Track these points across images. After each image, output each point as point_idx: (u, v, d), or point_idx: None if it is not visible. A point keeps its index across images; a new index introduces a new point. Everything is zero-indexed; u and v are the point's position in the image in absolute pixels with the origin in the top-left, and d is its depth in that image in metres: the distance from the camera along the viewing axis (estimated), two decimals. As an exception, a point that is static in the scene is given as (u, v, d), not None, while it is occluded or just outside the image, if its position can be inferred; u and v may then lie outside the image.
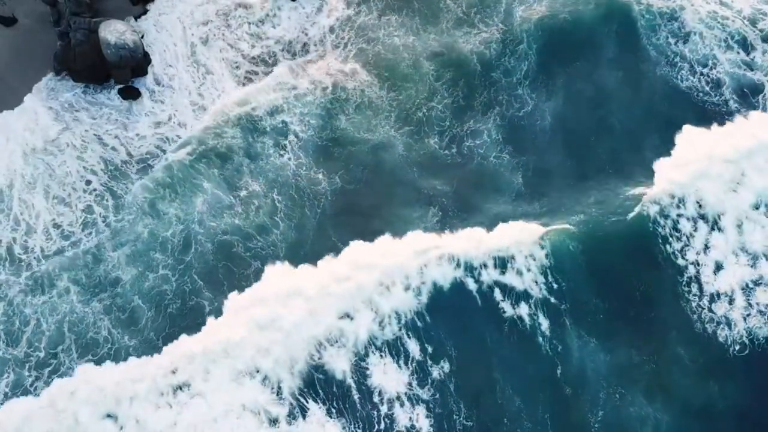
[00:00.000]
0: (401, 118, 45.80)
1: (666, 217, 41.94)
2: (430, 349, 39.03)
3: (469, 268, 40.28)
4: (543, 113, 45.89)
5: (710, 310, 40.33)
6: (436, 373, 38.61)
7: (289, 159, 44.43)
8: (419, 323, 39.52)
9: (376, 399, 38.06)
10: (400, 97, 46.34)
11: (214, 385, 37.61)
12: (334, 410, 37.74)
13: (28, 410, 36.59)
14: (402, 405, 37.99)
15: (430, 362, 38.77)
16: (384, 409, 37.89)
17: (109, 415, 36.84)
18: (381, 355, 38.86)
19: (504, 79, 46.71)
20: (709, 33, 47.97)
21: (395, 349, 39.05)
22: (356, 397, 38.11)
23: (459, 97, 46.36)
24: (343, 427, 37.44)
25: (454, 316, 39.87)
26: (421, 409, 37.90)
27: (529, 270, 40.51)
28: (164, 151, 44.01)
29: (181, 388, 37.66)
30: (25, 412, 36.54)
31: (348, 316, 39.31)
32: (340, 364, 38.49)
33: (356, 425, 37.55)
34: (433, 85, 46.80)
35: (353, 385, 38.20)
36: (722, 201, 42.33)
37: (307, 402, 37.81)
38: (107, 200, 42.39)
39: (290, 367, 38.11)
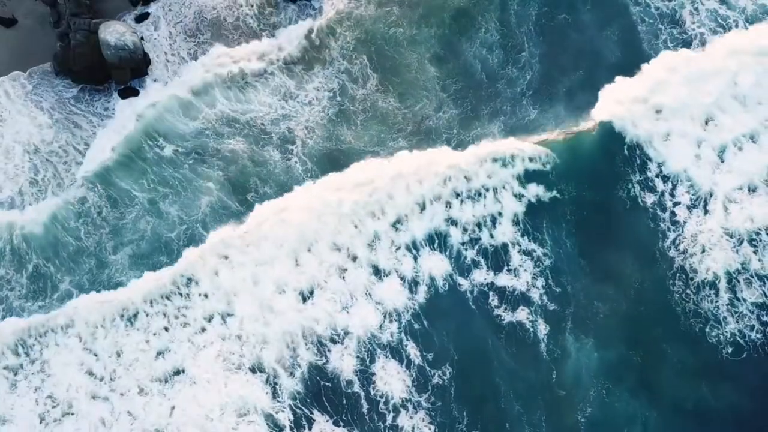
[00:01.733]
0: (411, 128, 45.73)
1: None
2: (429, 352, 39.37)
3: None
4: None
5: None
6: (436, 376, 38.91)
7: (296, 163, 44.35)
8: (417, 325, 39.84)
9: (381, 407, 38.30)
10: (414, 108, 46.19)
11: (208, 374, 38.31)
12: (335, 417, 38.03)
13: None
14: (407, 410, 38.19)
15: (429, 366, 39.05)
16: (388, 417, 38.12)
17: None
18: (384, 361, 39.16)
19: (508, 89, 46.80)
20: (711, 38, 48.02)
21: (397, 355, 39.29)
22: (359, 403, 38.34)
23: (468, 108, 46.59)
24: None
25: (450, 311, 40.37)
26: (423, 415, 38.15)
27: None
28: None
29: (177, 373, 38.37)
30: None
31: (345, 309, 39.93)
32: (343, 369, 38.76)
33: (359, 432, 38.16)
34: (439, 95, 46.81)
35: (357, 391, 38.49)
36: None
37: (311, 411, 38.06)
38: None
39: (291, 366, 38.56)
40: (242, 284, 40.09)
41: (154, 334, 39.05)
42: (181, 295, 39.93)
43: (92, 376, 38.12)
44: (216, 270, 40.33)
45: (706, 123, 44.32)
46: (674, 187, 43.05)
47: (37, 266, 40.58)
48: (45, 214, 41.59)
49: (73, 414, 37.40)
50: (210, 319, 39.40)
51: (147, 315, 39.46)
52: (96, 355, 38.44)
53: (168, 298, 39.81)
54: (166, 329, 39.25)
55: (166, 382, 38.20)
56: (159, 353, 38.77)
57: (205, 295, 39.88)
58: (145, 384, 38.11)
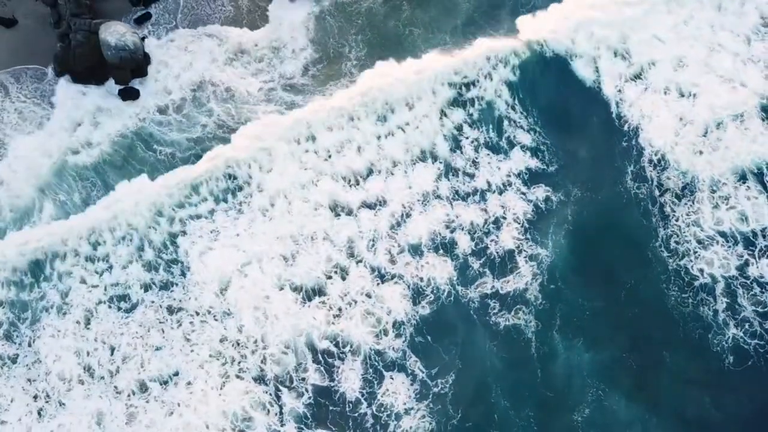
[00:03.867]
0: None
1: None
2: (431, 362, 39.04)
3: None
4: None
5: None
6: (438, 387, 38.59)
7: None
8: (418, 338, 39.56)
9: (384, 418, 37.94)
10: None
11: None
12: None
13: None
14: (409, 416, 37.98)
15: (431, 379, 38.77)
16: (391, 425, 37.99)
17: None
18: (389, 374, 38.86)
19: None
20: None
21: (401, 368, 38.96)
22: (364, 419, 38.01)
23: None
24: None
25: (451, 316, 40.05)
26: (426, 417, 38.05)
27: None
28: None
29: (175, 374, 38.37)
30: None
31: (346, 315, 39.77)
32: (346, 381, 38.49)
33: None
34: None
35: (364, 409, 38.09)
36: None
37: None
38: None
39: (295, 381, 38.41)
40: (234, 274, 40.28)
41: (149, 329, 39.19)
42: (178, 285, 40.28)
43: (88, 372, 38.32)
44: (204, 260, 40.66)
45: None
46: (663, 170, 43.13)
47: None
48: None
49: (65, 409, 37.57)
50: (206, 317, 39.49)
51: (145, 305, 39.70)
52: (92, 350, 38.66)
53: (165, 288, 40.22)
54: (161, 322, 39.43)
55: (164, 383, 38.16)
56: (157, 349, 38.85)
57: (201, 286, 40.08)
58: (140, 383, 38.13)
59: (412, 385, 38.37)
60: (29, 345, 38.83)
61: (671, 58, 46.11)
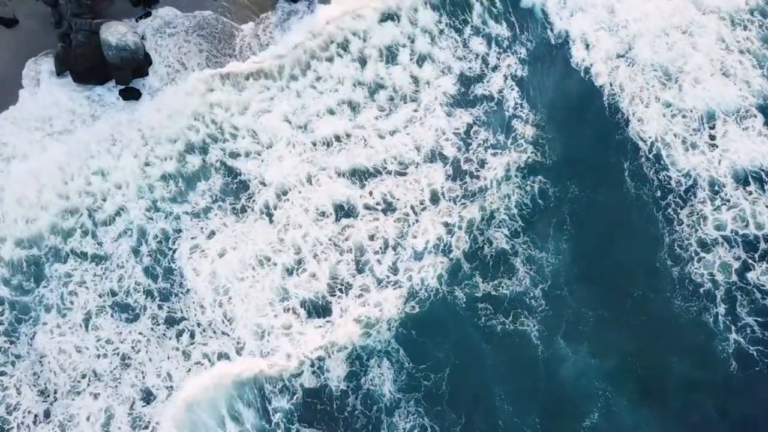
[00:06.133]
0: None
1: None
2: (426, 362, 38.94)
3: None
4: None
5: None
6: (434, 386, 38.56)
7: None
8: (407, 334, 39.44)
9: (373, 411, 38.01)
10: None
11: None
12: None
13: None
14: (403, 416, 37.97)
15: (425, 378, 38.71)
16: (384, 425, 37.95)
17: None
18: (378, 371, 38.72)
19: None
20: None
21: (394, 365, 38.89)
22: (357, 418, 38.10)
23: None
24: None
25: (445, 319, 39.93)
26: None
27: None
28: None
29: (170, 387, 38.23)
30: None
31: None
32: (340, 383, 38.42)
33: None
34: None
35: (358, 408, 38.07)
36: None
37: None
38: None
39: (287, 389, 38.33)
40: (232, 282, 40.06)
41: (149, 340, 39.07)
42: (177, 294, 40.10)
43: (95, 376, 38.33)
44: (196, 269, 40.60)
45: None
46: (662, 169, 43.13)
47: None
48: None
49: (71, 405, 37.60)
50: (205, 330, 39.35)
51: (145, 315, 39.54)
52: (93, 356, 38.63)
53: (166, 299, 40.01)
54: (161, 333, 39.35)
55: (167, 396, 38.03)
56: (157, 359, 38.78)
57: (200, 295, 39.92)
58: (142, 391, 38.10)
59: (399, 372, 38.39)
60: (29, 344, 38.70)
61: (655, 36, 46.06)
